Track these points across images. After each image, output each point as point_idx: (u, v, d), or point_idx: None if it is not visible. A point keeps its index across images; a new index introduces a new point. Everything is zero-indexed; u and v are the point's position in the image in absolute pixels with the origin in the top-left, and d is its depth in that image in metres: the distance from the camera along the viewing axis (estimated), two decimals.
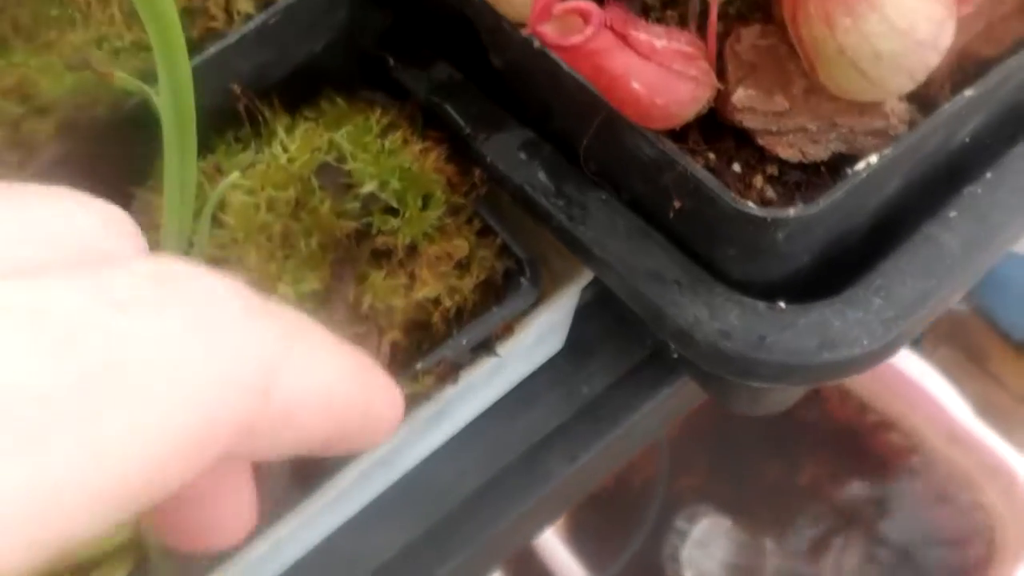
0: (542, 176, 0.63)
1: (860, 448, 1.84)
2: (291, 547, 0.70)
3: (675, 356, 0.75)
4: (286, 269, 0.57)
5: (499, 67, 0.67)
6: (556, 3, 0.42)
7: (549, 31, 0.43)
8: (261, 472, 0.32)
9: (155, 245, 0.59)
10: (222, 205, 0.57)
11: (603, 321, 0.81)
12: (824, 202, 0.46)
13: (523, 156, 0.65)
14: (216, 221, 0.58)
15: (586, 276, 0.70)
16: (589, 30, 0.42)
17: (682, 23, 0.49)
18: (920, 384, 1.69)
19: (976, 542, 1.69)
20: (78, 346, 0.21)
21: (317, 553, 0.73)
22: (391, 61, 0.71)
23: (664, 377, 0.78)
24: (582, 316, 0.78)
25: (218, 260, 0.58)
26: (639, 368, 0.80)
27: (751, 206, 0.46)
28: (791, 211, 0.46)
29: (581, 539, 1.63)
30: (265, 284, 0.56)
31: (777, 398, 0.77)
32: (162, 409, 0.22)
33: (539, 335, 0.73)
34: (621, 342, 0.80)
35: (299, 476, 0.61)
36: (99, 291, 0.23)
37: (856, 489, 1.78)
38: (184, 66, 0.52)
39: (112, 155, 0.58)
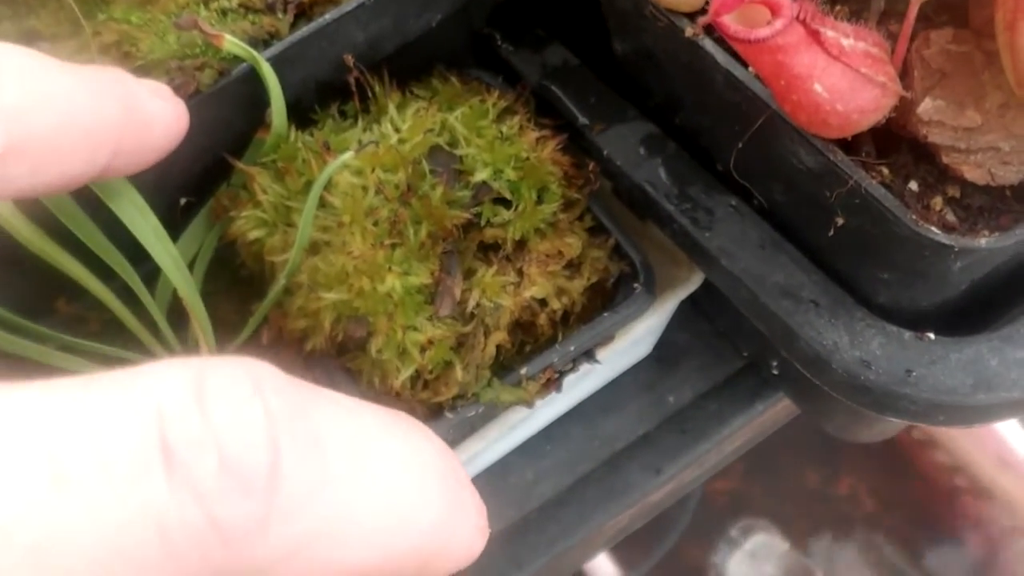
0: (664, 175, 0.59)
1: (903, 464, 1.79)
2: None
3: (775, 372, 0.71)
4: (394, 259, 0.53)
5: (622, 53, 0.62)
6: None
7: (730, 22, 0.38)
8: None
9: (253, 221, 0.56)
10: (328, 185, 0.54)
11: (694, 329, 0.77)
12: (1020, 233, 0.41)
13: (644, 152, 0.60)
14: (321, 201, 0.54)
15: (693, 284, 0.66)
16: (779, 23, 0.38)
17: (854, 19, 0.44)
18: None
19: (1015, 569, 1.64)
20: None
21: None
22: (500, 40, 0.67)
23: (759, 392, 0.74)
24: (672, 322, 0.74)
25: (321, 244, 0.54)
26: (732, 380, 0.75)
27: (935, 231, 0.41)
28: (982, 241, 0.41)
29: None
30: (372, 273, 0.52)
31: (880, 428, 0.72)
32: None
33: (634, 341, 0.69)
34: (712, 352, 0.76)
35: None
36: None
37: (896, 506, 1.73)
38: None
39: (214, 122, 0.54)
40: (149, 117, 0.42)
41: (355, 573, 0.25)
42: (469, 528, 0.28)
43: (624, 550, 1.60)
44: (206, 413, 0.22)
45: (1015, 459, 1.69)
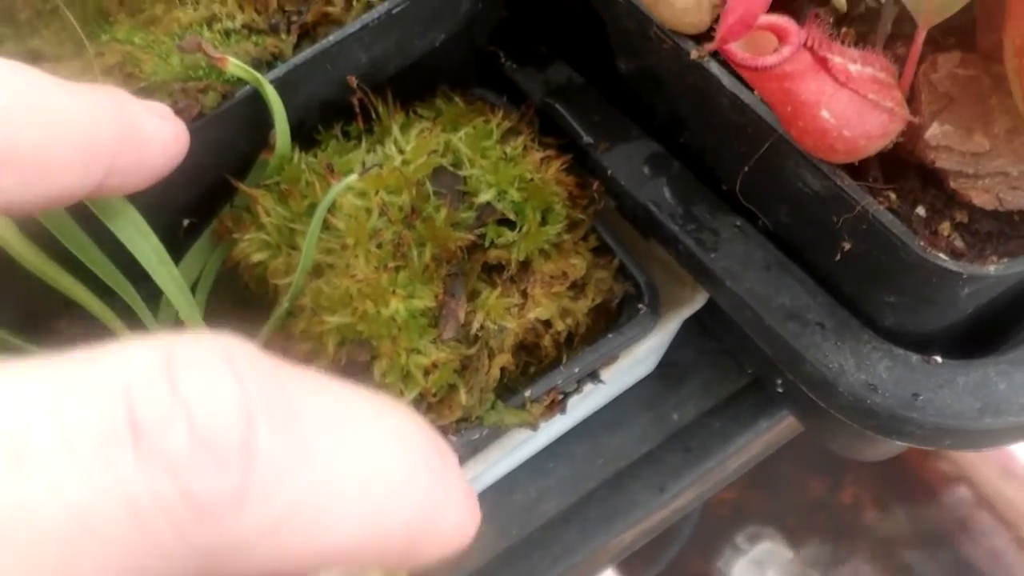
0: (669, 195, 0.59)
1: (907, 474, 1.78)
2: None
3: (780, 390, 0.71)
4: (398, 282, 0.52)
5: (627, 72, 0.62)
6: (754, 19, 0.37)
7: (737, 49, 0.38)
8: None
9: (256, 243, 0.56)
10: (332, 207, 0.53)
11: (698, 347, 0.76)
12: None
13: (648, 171, 0.60)
14: (325, 224, 0.53)
15: (698, 303, 0.66)
16: (787, 50, 0.38)
17: (861, 43, 0.44)
18: None
19: None
20: None
21: None
22: (503, 58, 0.67)
23: (763, 409, 0.74)
24: (676, 340, 0.74)
25: (324, 267, 0.53)
26: (735, 398, 0.75)
27: (943, 258, 0.41)
28: (991, 268, 0.41)
29: None
30: (375, 297, 0.52)
31: (884, 448, 0.72)
32: None
33: (637, 359, 0.68)
34: (716, 370, 0.76)
35: None
36: None
37: (899, 515, 1.73)
38: None
39: (217, 144, 0.54)
40: (147, 135, 0.42)
41: (342, 550, 0.24)
42: (459, 509, 0.27)
43: (626, 560, 1.60)
44: (175, 386, 0.22)
45: (1019, 469, 1.69)
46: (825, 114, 0.40)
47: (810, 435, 0.75)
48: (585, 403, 0.73)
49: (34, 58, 0.58)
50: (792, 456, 1.79)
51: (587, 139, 0.62)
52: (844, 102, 0.40)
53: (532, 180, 0.57)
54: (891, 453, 0.73)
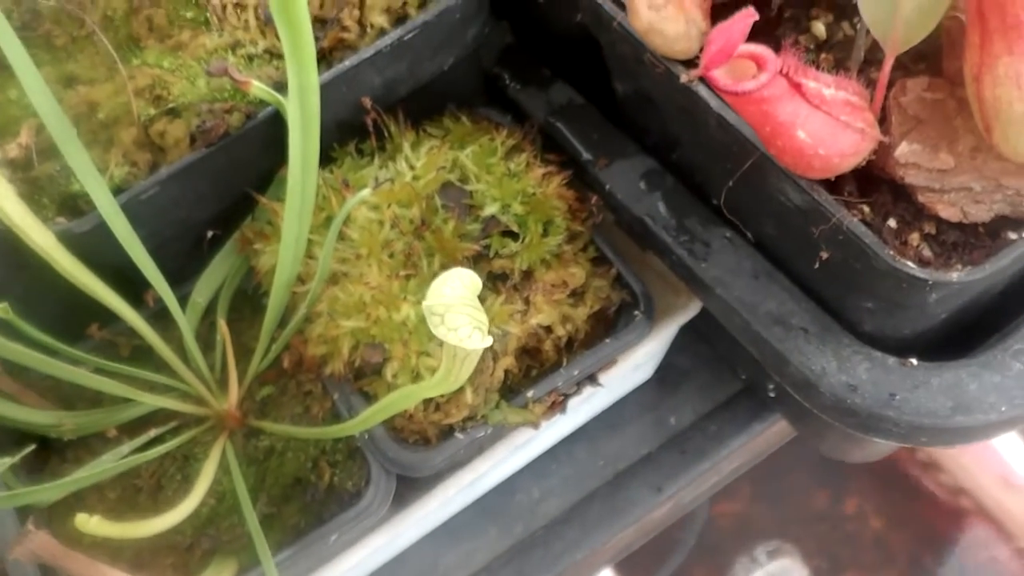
0: (663, 209, 0.62)
1: (909, 485, 1.80)
2: (378, 556, 0.70)
3: (772, 395, 0.74)
4: (409, 289, 0.56)
5: (623, 94, 0.66)
6: (734, 48, 0.41)
7: (720, 75, 0.42)
8: None
9: (274, 253, 0.59)
10: (347, 220, 0.57)
11: (694, 353, 0.80)
12: (990, 267, 0.44)
13: (644, 186, 0.64)
14: (340, 235, 0.57)
15: (691, 311, 0.69)
16: (764, 77, 0.41)
17: (837, 68, 0.48)
18: None
19: None
20: None
21: (398, 564, 0.73)
22: (508, 80, 0.71)
23: (757, 413, 0.77)
24: (673, 347, 0.77)
25: (340, 275, 0.57)
26: (730, 402, 0.78)
27: (911, 266, 0.44)
28: (954, 275, 0.44)
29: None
30: (388, 303, 0.55)
31: (870, 449, 0.75)
32: None
33: (636, 365, 0.72)
34: (712, 375, 0.79)
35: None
36: None
37: (902, 526, 1.74)
38: (312, 74, 0.52)
39: (241, 162, 0.58)
40: None
41: None
42: None
43: (630, 570, 1.62)
44: None
45: (1018, 480, 1.70)
46: (801, 134, 0.44)
47: (801, 438, 0.78)
48: (586, 407, 0.76)
49: (70, 81, 0.62)
50: (796, 469, 1.81)
51: (587, 156, 0.65)
52: (819, 123, 0.44)
53: (534, 194, 0.60)
54: (878, 455, 0.76)
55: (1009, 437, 1.72)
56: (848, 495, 1.83)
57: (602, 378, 0.65)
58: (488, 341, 0.39)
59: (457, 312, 0.37)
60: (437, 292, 0.38)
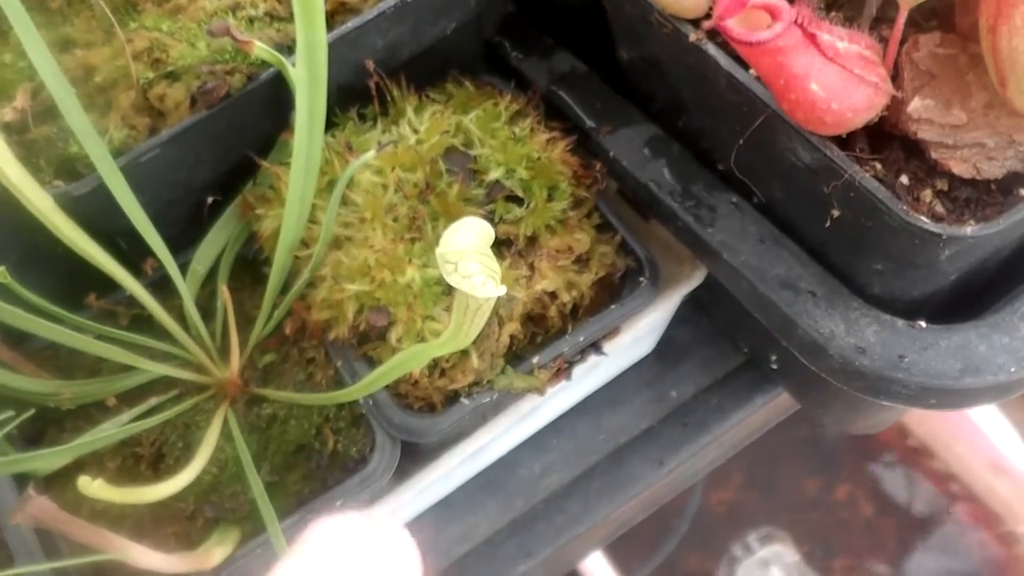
0: (668, 175, 0.62)
1: (900, 471, 1.81)
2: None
3: (774, 367, 0.74)
4: (413, 252, 0.56)
5: (627, 60, 0.65)
6: None
7: (733, 25, 0.41)
8: None
9: (279, 218, 0.59)
10: (350, 183, 0.56)
11: (696, 326, 0.79)
12: (1004, 222, 0.44)
13: (648, 153, 0.63)
14: (343, 199, 0.56)
15: (696, 280, 0.69)
16: (779, 26, 0.41)
17: (848, 24, 0.48)
18: (964, 411, 1.66)
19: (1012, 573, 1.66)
20: None
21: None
22: (510, 48, 0.70)
23: (759, 386, 0.77)
24: (674, 320, 0.77)
25: (343, 239, 0.57)
26: (732, 375, 0.78)
27: (925, 220, 0.44)
28: (968, 229, 0.44)
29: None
30: (392, 266, 0.55)
31: (876, 418, 0.75)
32: None
33: (638, 336, 0.71)
34: (713, 348, 0.79)
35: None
36: None
37: (890, 511, 1.75)
38: (320, 30, 0.52)
39: (242, 124, 0.57)
40: None
41: None
42: None
43: (623, 555, 1.62)
44: None
45: (1008, 465, 1.71)
46: (815, 87, 0.44)
47: (806, 410, 0.78)
48: (588, 380, 0.76)
49: (66, 45, 0.61)
50: (788, 457, 1.82)
51: (590, 123, 0.65)
52: (832, 76, 0.44)
53: (539, 159, 0.60)
54: (882, 425, 0.76)
55: (999, 422, 1.73)
56: (840, 482, 1.83)
57: (606, 347, 0.65)
58: (502, 290, 0.38)
59: (471, 260, 0.37)
60: (450, 240, 0.38)
